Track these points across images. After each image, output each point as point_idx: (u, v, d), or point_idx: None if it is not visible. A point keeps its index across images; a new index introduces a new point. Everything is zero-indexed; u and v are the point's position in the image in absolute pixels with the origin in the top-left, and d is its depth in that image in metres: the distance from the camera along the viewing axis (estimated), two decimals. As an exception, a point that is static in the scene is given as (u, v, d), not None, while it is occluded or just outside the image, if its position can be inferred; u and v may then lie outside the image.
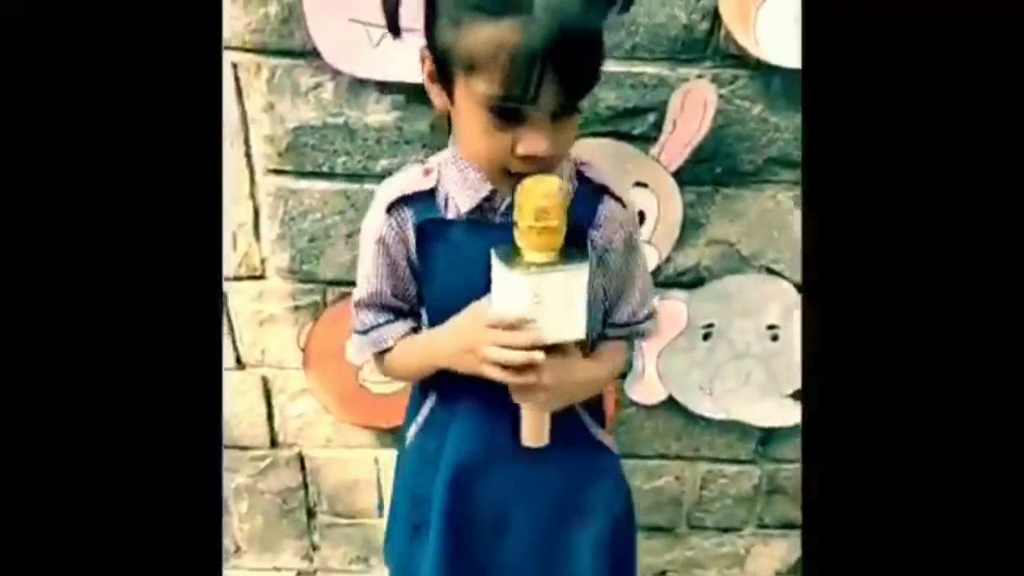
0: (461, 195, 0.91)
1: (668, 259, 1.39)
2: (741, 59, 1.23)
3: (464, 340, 0.90)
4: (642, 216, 1.32)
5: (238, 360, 1.52)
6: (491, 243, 0.86)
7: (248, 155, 1.32)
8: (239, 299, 1.45)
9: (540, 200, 0.81)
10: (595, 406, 1.05)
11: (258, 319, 1.47)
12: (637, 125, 1.28)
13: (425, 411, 1.05)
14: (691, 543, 1.74)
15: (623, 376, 1.50)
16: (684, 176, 1.31)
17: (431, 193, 0.93)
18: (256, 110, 1.28)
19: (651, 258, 1.36)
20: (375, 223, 0.95)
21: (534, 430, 0.93)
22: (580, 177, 0.94)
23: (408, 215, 0.93)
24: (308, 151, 1.31)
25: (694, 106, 1.24)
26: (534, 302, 0.84)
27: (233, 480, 1.66)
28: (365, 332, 1.02)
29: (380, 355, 1.03)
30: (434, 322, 0.97)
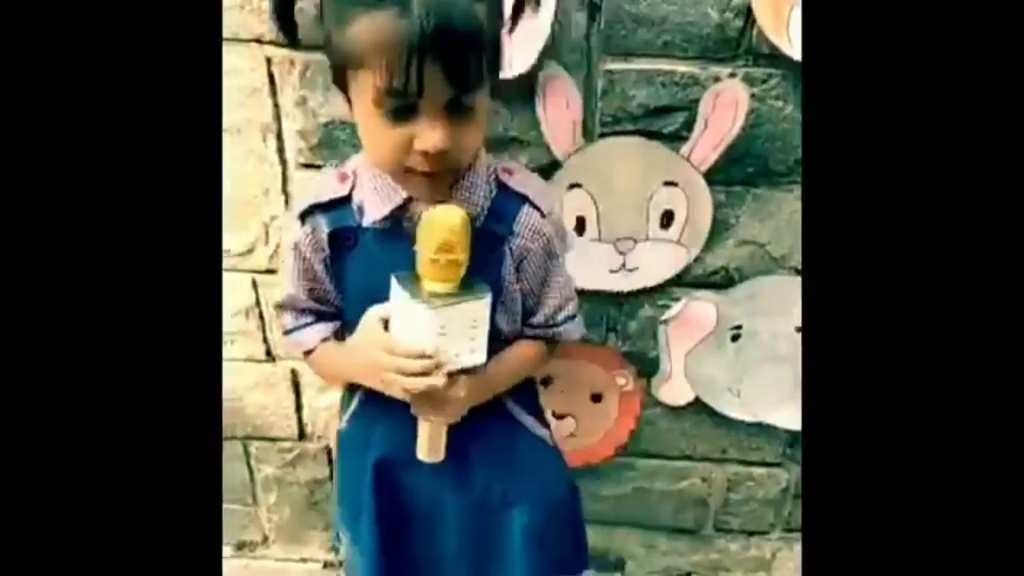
0: (374, 203, 0.91)
1: (697, 259, 1.38)
2: (774, 58, 1.21)
3: (367, 360, 0.91)
4: (671, 215, 1.32)
5: (268, 353, 1.53)
6: (403, 252, 0.86)
7: (281, 149, 1.33)
8: (270, 292, 1.46)
9: (444, 234, 0.80)
10: (522, 393, 1.05)
11: (288, 312, 1.48)
12: (668, 124, 1.27)
13: (355, 403, 1.07)
14: (717, 546, 1.73)
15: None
16: (715, 176, 1.30)
17: (346, 199, 0.93)
18: (289, 104, 1.29)
19: (680, 258, 1.36)
20: (292, 230, 0.96)
21: (429, 443, 0.92)
22: (500, 185, 0.93)
23: (322, 222, 0.93)
24: (340, 145, 1.32)
25: (726, 105, 1.23)
26: (439, 334, 0.84)
27: (261, 471, 1.68)
28: (287, 333, 1.05)
29: (308, 356, 1.05)
30: (351, 328, 0.97)
